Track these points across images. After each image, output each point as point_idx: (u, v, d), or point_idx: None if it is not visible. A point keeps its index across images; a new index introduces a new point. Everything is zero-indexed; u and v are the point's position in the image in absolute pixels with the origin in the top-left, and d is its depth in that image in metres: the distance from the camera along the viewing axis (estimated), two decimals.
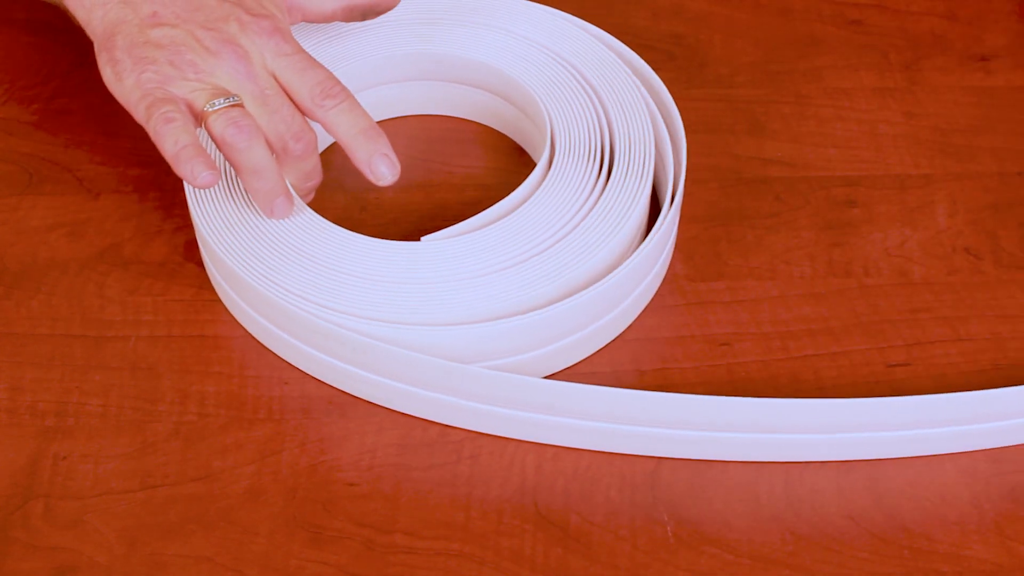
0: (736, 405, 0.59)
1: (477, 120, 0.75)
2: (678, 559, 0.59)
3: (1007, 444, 0.62)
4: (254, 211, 0.65)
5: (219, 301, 0.67)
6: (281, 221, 0.64)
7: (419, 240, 0.64)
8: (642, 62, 0.71)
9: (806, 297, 0.67)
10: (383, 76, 0.73)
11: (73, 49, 0.77)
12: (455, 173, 0.72)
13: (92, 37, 0.66)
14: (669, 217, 0.65)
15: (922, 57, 0.79)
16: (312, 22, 0.70)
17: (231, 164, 0.63)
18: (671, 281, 0.68)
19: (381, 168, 0.64)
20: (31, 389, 0.64)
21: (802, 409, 0.59)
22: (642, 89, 0.69)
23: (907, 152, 0.74)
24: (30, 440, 0.62)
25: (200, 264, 0.68)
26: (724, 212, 0.71)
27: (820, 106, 0.76)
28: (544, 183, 0.66)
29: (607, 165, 0.67)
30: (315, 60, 0.65)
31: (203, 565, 0.58)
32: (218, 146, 0.63)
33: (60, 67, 0.77)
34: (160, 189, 0.71)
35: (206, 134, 0.65)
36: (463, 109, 0.75)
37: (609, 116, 0.68)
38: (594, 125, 0.68)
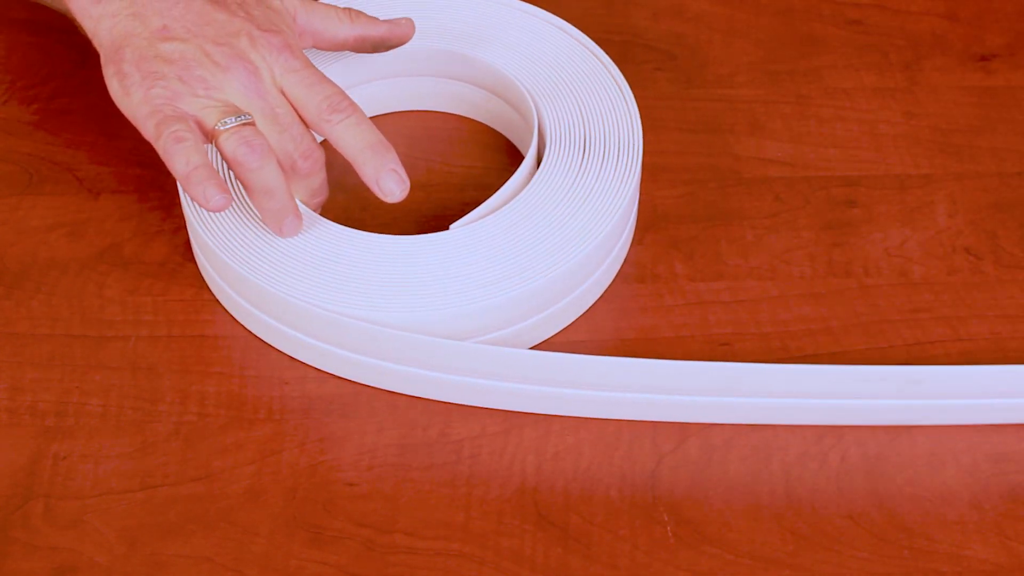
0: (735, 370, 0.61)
1: (471, 116, 0.75)
2: (678, 559, 0.59)
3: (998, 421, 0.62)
4: (253, 215, 0.65)
5: (219, 301, 0.67)
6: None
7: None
8: (599, 50, 0.72)
9: (806, 297, 0.67)
10: (378, 72, 0.73)
11: (74, 49, 0.77)
12: (455, 172, 0.72)
13: (99, 49, 0.65)
14: (623, 205, 0.65)
15: (922, 57, 0.79)
16: (323, 49, 0.69)
17: (241, 183, 0.63)
18: (671, 281, 0.68)
19: (389, 184, 0.63)
20: (31, 389, 0.64)
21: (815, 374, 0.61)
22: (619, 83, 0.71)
23: (907, 152, 0.74)
24: (30, 440, 0.62)
25: None
26: (724, 212, 0.71)
27: (820, 106, 0.76)
28: (536, 175, 0.67)
29: (596, 154, 0.68)
30: (324, 75, 0.64)
31: (203, 565, 0.58)
32: (229, 165, 0.62)
33: (60, 67, 0.77)
34: (160, 189, 0.71)
35: (214, 150, 0.64)
36: (459, 106, 0.75)
37: (592, 110, 0.69)
38: (579, 119, 0.69)
